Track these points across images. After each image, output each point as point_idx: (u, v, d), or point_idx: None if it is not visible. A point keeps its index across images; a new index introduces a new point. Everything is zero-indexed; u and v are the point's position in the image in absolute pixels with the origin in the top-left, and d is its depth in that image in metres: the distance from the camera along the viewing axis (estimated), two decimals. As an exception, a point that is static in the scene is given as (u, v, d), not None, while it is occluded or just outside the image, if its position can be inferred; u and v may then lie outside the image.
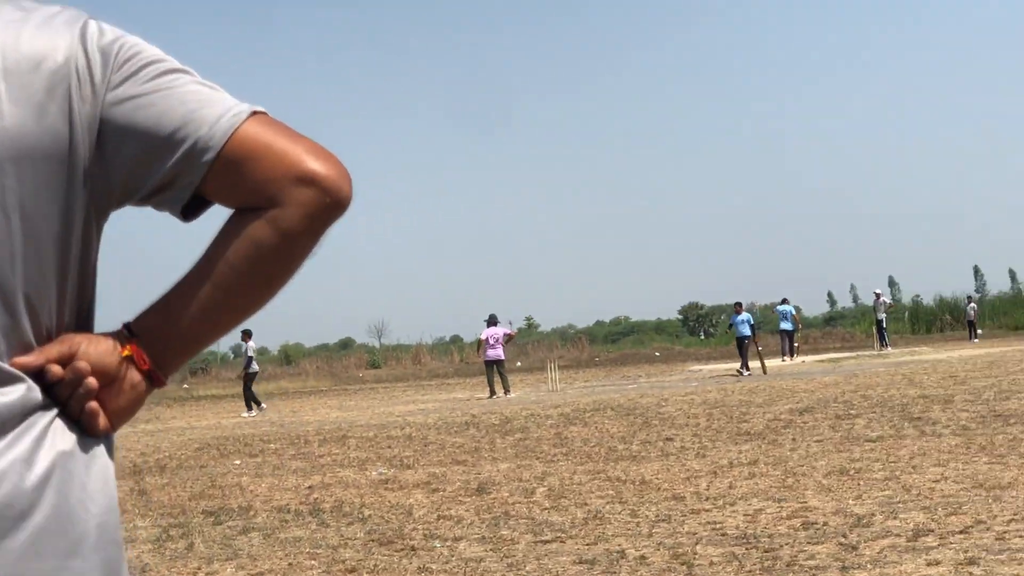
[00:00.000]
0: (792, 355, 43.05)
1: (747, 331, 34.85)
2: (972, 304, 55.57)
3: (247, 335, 31.54)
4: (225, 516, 11.55)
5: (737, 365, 35.32)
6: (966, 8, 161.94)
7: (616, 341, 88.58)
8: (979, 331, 55.81)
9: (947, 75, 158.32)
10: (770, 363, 38.31)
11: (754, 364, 35.11)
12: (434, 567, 8.40)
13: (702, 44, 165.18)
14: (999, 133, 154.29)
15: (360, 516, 11.06)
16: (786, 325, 43.82)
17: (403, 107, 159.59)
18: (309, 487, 13.64)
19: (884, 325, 47.47)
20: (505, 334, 32.51)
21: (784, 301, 44.88)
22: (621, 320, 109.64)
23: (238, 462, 17.21)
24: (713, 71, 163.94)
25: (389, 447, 18.09)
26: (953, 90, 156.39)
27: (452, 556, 8.79)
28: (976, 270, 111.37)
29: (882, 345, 46.51)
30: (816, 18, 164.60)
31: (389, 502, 12.00)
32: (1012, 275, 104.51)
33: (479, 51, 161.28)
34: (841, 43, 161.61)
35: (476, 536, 9.64)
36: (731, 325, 36.29)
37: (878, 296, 48.10)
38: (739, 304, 36.32)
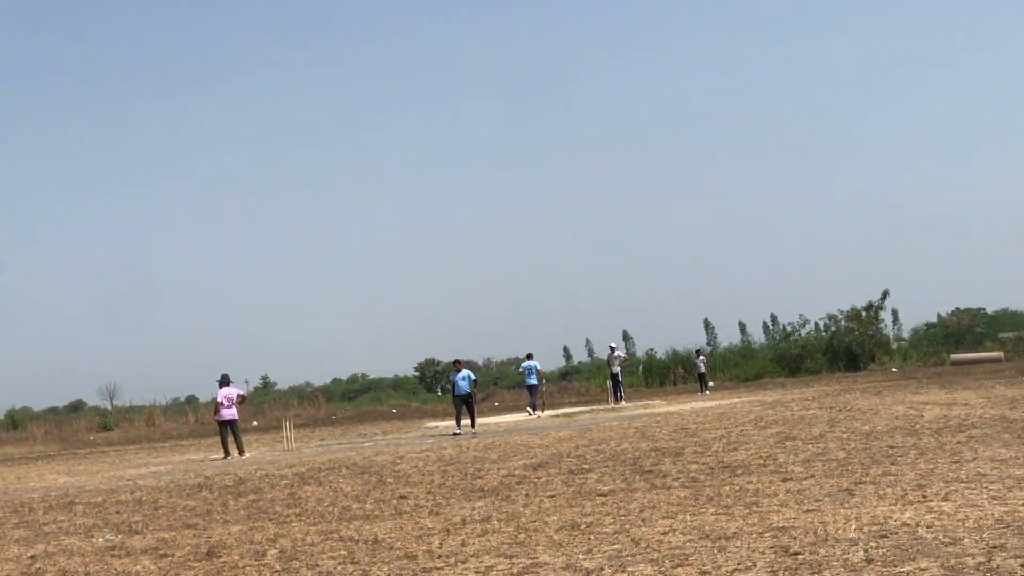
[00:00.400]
0: (535, 409, 43.31)
1: (467, 387, 34.67)
2: (702, 357, 56.80)
3: (-38, 403, 30.57)
4: (-61, 589, 11.09)
5: (465, 421, 35.04)
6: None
7: (353, 399, 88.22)
8: (711, 383, 57.03)
9: (669, 133, 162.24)
10: (518, 417, 38.40)
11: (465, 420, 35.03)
12: (158, 636, 8.18)
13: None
14: (729, 190, 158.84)
15: (83, 585, 10.73)
16: (532, 380, 44.11)
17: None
18: (32, 557, 13.20)
19: (620, 379, 48.12)
20: (239, 395, 32.15)
21: (529, 356, 45.17)
22: (358, 378, 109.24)
23: (-43, 532, 16.57)
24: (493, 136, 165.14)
25: (118, 512, 17.64)
26: (675, 149, 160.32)
27: (177, 624, 8.58)
28: (707, 323, 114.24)
29: (616, 399, 47.14)
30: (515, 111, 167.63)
31: (115, 569, 11.68)
32: (742, 327, 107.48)
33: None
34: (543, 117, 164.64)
35: (203, 602, 9.43)
36: (453, 383, 35.95)
37: (613, 350, 48.78)
38: (458, 361, 36.15)
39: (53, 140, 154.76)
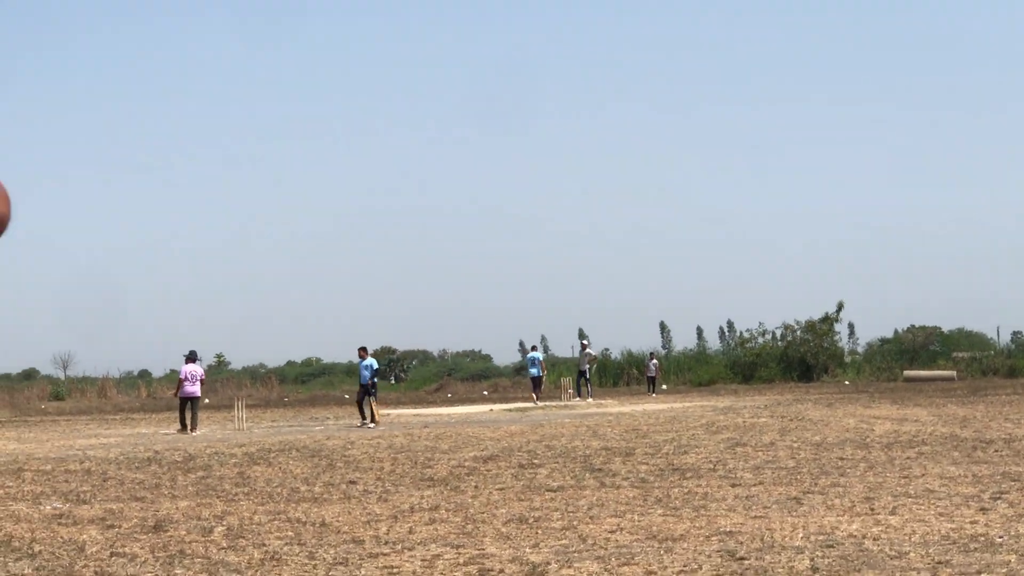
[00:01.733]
0: (537, 400, 43.85)
1: (368, 376, 32.98)
2: (654, 360, 56.93)
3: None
4: None
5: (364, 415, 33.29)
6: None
7: (306, 382, 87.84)
8: (663, 386, 57.15)
9: (631, 135, 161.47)
10: (471, 408, 38.53)
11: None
12: (102, 606, 8.17)
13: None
14: (694, 196, 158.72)
15: (29, 552, 10.72)
16: (534, 371, 44.75)
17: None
18: (-23, 521, 13.14)
19: (588, 376, 48.08)
20: (202, 374, 32.16)
21: (534, 348, 46.19)
22: (313, 361, 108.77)
23: (-97, 493, 16.48)
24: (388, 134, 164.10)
25: (66, 481, 17.58)
26: (627, 150, 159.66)
27: (122, 595, 8.56)
28: (662, 326, 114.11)
29: (580, 395, 47.24)
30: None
31: (62, 538, 11.66)
32: (699, 332, 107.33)
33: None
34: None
35: (149, 574, 9.43)
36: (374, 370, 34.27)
37: (584, 347, 49.01)
38: (363, 349, 34.51)
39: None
